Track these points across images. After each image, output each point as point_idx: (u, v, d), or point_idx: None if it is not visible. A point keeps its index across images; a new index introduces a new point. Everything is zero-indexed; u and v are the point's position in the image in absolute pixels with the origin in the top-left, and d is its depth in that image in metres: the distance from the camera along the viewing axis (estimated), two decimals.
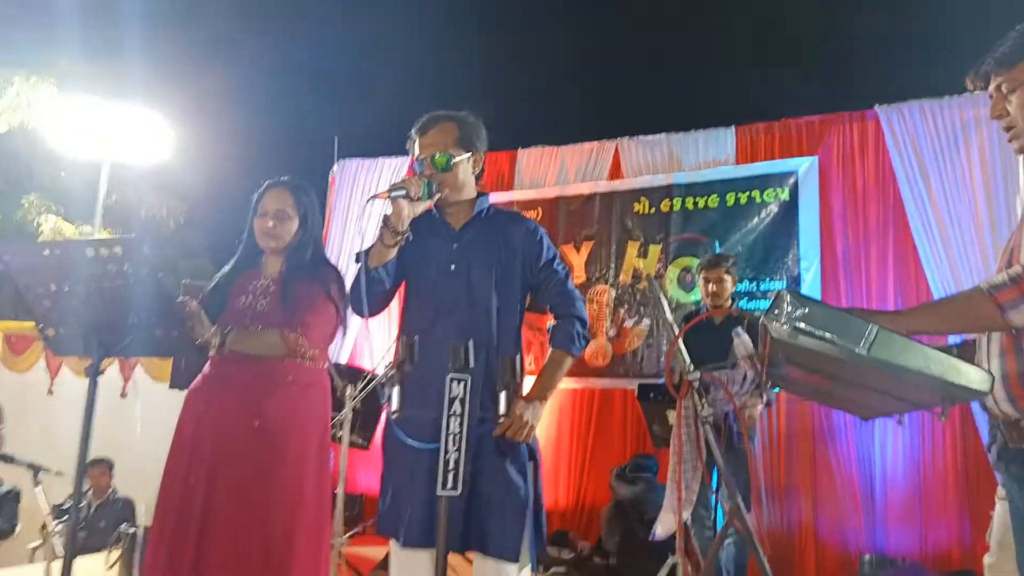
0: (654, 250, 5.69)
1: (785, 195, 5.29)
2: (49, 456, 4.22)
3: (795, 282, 5.16)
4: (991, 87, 1.50)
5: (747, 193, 5.41)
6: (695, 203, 5.59)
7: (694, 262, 5.46)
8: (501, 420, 1.98)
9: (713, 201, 5.52)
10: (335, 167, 6.84)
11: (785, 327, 1.18)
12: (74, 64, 10.32)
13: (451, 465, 1.57)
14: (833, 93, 5.43)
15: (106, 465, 5.69)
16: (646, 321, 5.61)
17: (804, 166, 5.28)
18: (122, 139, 7.90)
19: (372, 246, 2.14)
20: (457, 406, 1.59)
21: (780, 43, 5.86)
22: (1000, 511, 3.53)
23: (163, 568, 2.32)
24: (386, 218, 2.09)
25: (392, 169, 6.53)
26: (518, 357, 1.72)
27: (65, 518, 3.93)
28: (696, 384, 1.63)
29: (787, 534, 4.80)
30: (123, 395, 6.73)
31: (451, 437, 1.58)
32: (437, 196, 2.16)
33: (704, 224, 5.53)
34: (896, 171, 4.90)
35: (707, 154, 5.66)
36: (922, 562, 4.45)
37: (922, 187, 4.79)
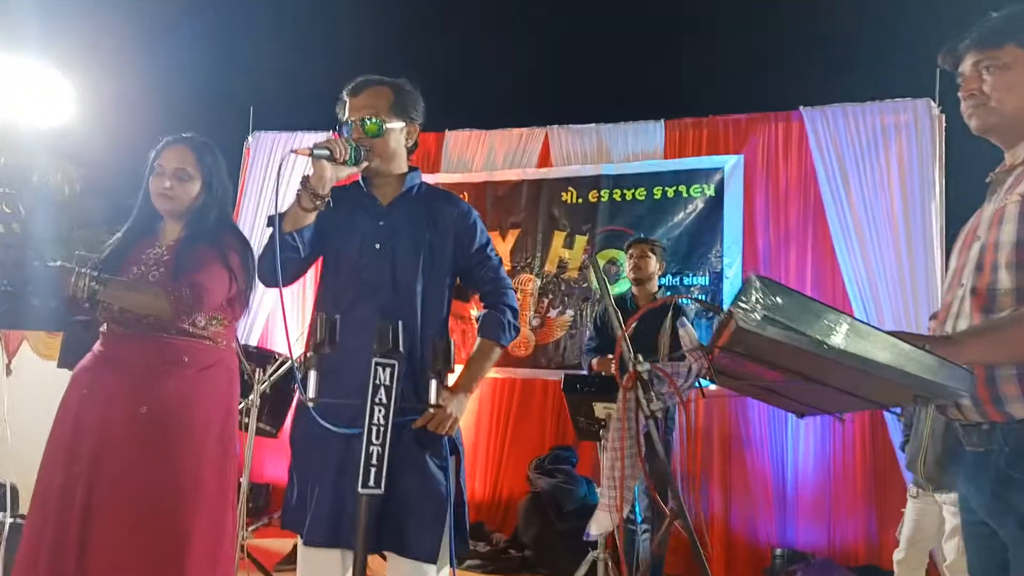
0: (580, 241, 5.63)
1: (711, 191, 5.31)
2: None
3: (717, 278, 5.19)
4: (966, 64, 1.43)
5: (674, 188, 5.41)
6: (623, 195, 5.55)
7: (620, 255, 5.43)
8: (432, 411, 1.84)
9: (640, 194, 5.50)
10: (250, 139, 6.48)
11: (755, 316, 1.08)
12: None
13: (374, 460, 1.42)
14: (760, 93, 5.48)
15: None
16: (569, 312, 5.55)
17: (730, 163, 5.31)
18: (15, 96, 7.27)
19: (287, 209, 1.95)
20: (382, 394, 1.43)
21: (710, 41, 5.89)
22: (911, 509, 3.63)
23: (44, 565, 2.08)
24: (305, 179, 1.90)
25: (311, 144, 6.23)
26: (451, 343, 1.57)
27: None
28: (645, 376, 1.53)
29: (699, 527, 4.83)
30: (7, 373, 6.21)
31: (375, 428, 1.42)
32: (364, 164, 1.98)
33: (631, 217, 5.50)
34: (818, 172, 4.99)
35: (636, 146, 5.63)
36: (830, 556, 4.55)
37: (842, 189, 4.89)
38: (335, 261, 2.07)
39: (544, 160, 5.86)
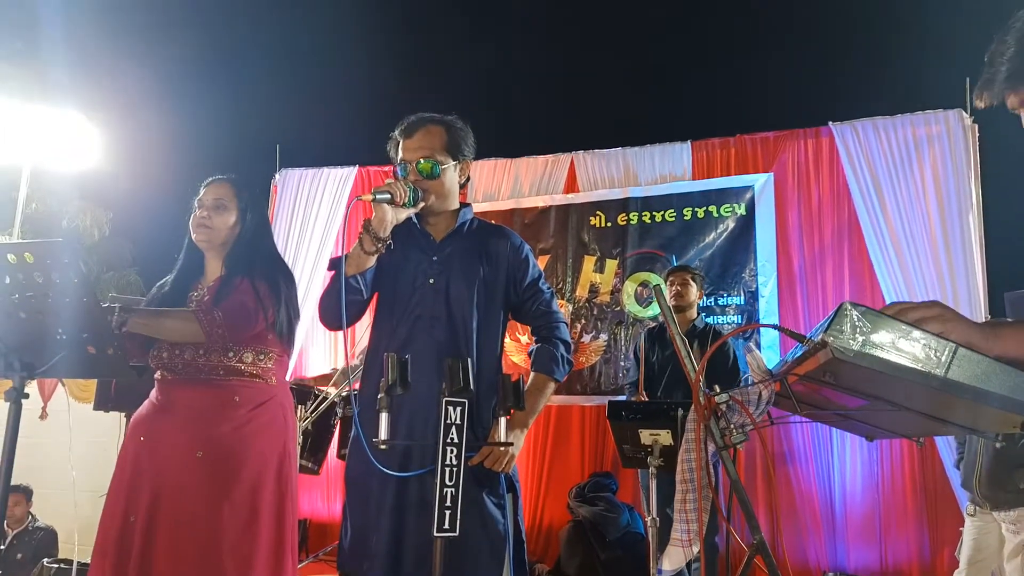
0: (611, 264, 5.60)
1: (742, 210, 5.27)
2: None
3: (753, 297, 5.14)
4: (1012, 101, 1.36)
5: (704, 208, 5.38)
6: (652, 217, 5.52)
7: (651, 277, 5.40)
8: (490, 447, 1.83)
9: (670, 215, 5.47)
10: (277, 176, 6.56)
11: (852, 346, 1.04)
12: None
13: (448, 502, 1.39)
14: (787, 110, 5.45)
15: (22, 493, 5.24)
16: (603, 336, 5.51)
17: (760, 182, 5.28)
18: (44, 143, 7.39)
19: (349, 253, 1.95)
20: (454, 433, 1.41)
21: (734, 60, 5.88)
22: (970, 527, 3.53)
23: None
24: (367, 223, 1.91)
25: (337, 180, 6.30)
26: (521, 381, 1.55)
27: None
28: (724, 407, 1.49)
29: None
30: (42, 417, 6.26)
31: (447, 470, 1.39)
32: (422, 205, 2.00)
33: (661, 239, 5.47)
34: (851, 187, 4.94)
35: (663, 168, 5.62)
36: None
37: (876, 202, 4.84)
38: (390, 297, 2.07)
39: (571, 186, 5.86)
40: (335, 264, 1.90)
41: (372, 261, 1.95)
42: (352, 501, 2.05)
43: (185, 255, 2.39)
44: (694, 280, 4.15)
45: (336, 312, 1.79)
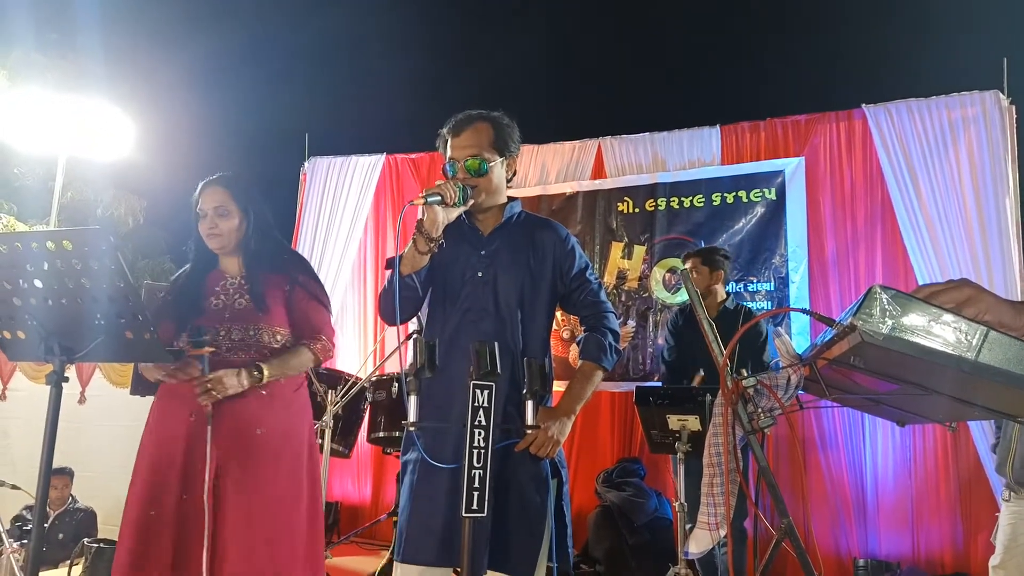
0: (639, 251, 5.57)
1: (772, 195, 5.21)
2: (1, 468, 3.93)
3: (783, 283, 5.08)
4: None
5: (733, 193, 5.32)
6: (680, 203, 5.48)
7: (679, 263, 5.36)
8: (528, 432, 1.86)
9: (699, 201, 5.42)
10: (306, 164, 6.62)
11: (881, 330, 1.04)
12: (27, 55, 9.87)
13: (476, 484, 1.41)
14: (819, 92, 5.36)
15: (64, 475, 5.39)
16: (631, 323, 5.49)
17: (791, 166, 5.20)
18: (79, 133, 7.53)
19: (404, 253, 2.02)
20: (481, 417, 1.43)
21: (764, 43, 5.79)
22: (1006, 512, 3.47)
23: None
24: (419, 224, 1.98)
25: (365, 167, 6.34)
26: (547, 363, 1.57)
27: (25, 540, 3.68)
28: (752, 391, 1.49)
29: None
30: (81, 401, 6.42)
31: (475, 452, 1.41)
32: (471, 202, 2.05)
33: (690, 224, 5.42)
34: (884, 170, 4.85)
35: (692, 154, 5.56)
36: (915, 565, 4.39)
37: (910, 186, 4.74)
38: (441, 290, 2.13)
39: (598, 172, 5.82)
40: (391, 264, 1.97)
41: (426, 260, 2.02)
42: (410, 486, 2.07)
43: (197, 252, 2.50)
44: (705, 264, 4.11)
45: (393, 308, 1.86)
